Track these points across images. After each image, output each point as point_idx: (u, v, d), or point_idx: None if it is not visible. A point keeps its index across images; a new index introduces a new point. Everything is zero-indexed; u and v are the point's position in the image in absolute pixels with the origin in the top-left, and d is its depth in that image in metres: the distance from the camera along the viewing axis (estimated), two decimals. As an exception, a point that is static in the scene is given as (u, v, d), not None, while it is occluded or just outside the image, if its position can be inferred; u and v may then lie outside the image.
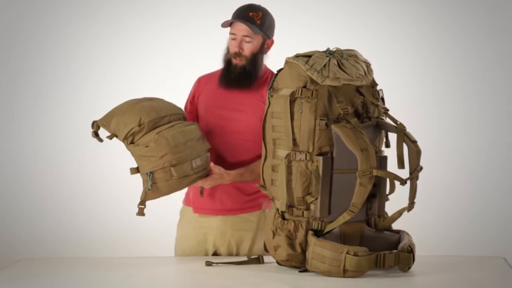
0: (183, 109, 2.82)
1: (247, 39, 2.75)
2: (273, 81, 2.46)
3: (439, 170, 4.45)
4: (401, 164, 2.38)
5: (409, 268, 2.37)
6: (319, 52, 2.41)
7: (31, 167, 4.69)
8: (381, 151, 2.49)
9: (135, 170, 2.58)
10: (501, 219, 4.54)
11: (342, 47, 2.46)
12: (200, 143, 2.67)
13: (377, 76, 2.52)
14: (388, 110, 2.47)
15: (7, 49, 4.67)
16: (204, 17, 4.51)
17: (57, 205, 4.67)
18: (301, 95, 2.35)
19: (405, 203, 2.38)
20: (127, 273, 2.51)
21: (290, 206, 2.42)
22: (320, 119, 2.34)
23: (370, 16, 4.64)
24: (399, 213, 2.42)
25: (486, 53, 4.59)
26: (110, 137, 2.62)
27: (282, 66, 2.45)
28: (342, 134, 2.30)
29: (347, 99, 2.38)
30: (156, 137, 2.55)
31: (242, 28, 2.74)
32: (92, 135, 2.65)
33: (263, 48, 2.79)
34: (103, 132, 2.64)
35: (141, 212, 2.58)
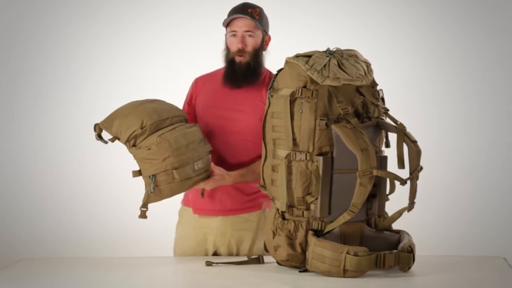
0: None
1: (249, 33, 2.76)
2: (273, 81, 2.46)
3: (439, 170, 4.45)
4: (401, 164, 2.38)
5: (409, 268, 2.37)
6: (319, 52, 2.41)
7: (31, 167, 4.69)
8: (381, 151, 2.49)
9: (137, 173, 2.58)
10: (501, 219, 4.54)
11: (342, 47, 2.46)
12: (201, 145, 2.67)
13: (377, 76, 2.52)
14: (388, 110, 2.47)
15: (7, 49, 4.67)
16: (204, 17, 4.51)
17: (57, 205, 4.67)
18: (301, 95, 2.35)
19: (405, 203, 2.38)
20: (127, 273, 2.51)
21: (290, 206, 2.42)
22: (320, 119, 2.34)
23: (370, 16, 4.65)
24: (399, 213, 2.42)
25: (486, 53, 4.59)
26: (112, 140, 2.62)
27: (282, 66, 2.45)
28: (342, 134, 2.30)
29: (347, 99, 2.38)
30: (158, 140, 2.55)
31: (243, 24, 2.75)
32: (96, 137, 2.64)
33: (263, 43, 2.81)
34: (105, 134, 2.64)
35: (143, 215, 2.58)
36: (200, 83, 2.92)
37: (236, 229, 2.82)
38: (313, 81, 2.35)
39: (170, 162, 2.55)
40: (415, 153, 2.34)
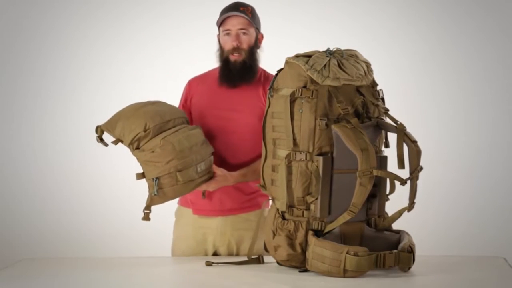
0: None
1: (244, 31, 2.76)
2: (273, 81, 2.46)
3: (439, 170, 4.45)
4: (401, 164, 2.38)
5: (409, 268, 2.37)
6: (319, 52, 2.41)
7: (31, 167, 4.69)
8: (381, 151, 2.49)
9: (140, 176, 2.58)
10: (501, 219, 4.54)
11: (342, 47, 2.46)
12: (204, 147, 2.67)
13: (377, 76, 2.52)
14: (388, 110, 2.47)
15: (7, 49, 4.67)
16: (204, 17, 4.48)
17: (57, 205, 4.67)
18: (301, 95, 2.35)
19: (405, 203, 2.38)
20: (127, 273, 2.51)
21: (290, 206, 2.42)
22: (320, 119, 2.34)
23: (370, 17, 4.64)
24: (399, 213, 2.42)
25: (486, 53, 4.59)
26: (115, 143, 2.61)
27: (282, 66, 2.45)
28: (342, 134, 2.30)
29: (347, 99, 2.38)
30: (162, 143, 2.55)
31: (236, 22, 2.75)
32: (97, 140, 2.64)
33: (257, 41, 2.81)
34: (107, 137, 2.63)
35: (146, 217, 2.58)
36: (194, 84, 2.91)
37: (236, 228, 2.82)
38: (313, 81, 2.35)
39: (173, 164, 2.55)
40: (415, 153, 2.34)
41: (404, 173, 2.35)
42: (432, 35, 4.63)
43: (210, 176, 2.71)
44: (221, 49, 2.82)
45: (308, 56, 2.39)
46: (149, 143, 2.56)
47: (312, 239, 2.35)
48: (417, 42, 4.64)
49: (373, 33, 4.61)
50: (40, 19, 4.67)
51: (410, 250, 2.35)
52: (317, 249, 2.33)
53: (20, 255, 3.21)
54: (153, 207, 2.60)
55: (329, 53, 2.40)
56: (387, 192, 2.47)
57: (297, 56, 2.41)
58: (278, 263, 2.50)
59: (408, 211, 2.39)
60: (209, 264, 2.57)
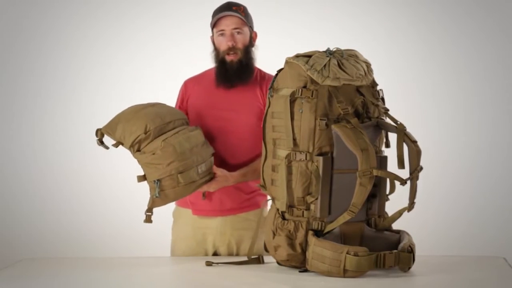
0: None
1: (238, 31, 2.76)
2: (273, 81, 2.46)
3: (439, 170, 4.45)
4: (401, 164, 2.38)
5: (409, 268, 2.37)
6: (319, 52, 2.41)
7: (31, 167, 4.69)
8: (381, 151, 2.49)
9: (142, 178, 2.58)
10: (501, 219, 4.54)
11: (342, 47, 2.46)
12: (204, 148, 2.67)
13: (377, 76, 2.52)
14: (388, 110, 2.47)
15: (7, 49, 4.67)
16: (204, 17, 4.49)
17: (57, 205, 4.67)
18: (301, 95, 2.35)
19: (405, 203, 2.38)
20: (127, 273, 2.51)
21: (290, 206, 2.42)
22: (320, 119, 2.34)
23: (370, 17, 4.64)
24: (399, 213, 2.42)
25: (486, 53, 4.59)
26: (115, 145, 2.61)
27: (282, 66, 2.45)
28: (342, 134, 2.30)
29: (347, 99, 2.38)
30: (162, 145, 2.55)
31: (230, 22, 2.75)
32: (97, 143, 2.63)
33: (251, 40, 2.81)
34: (107, 139, 2.63)
35: (148, 219, 2.58)
36: (190, 85, 2.91)
37: (236, 228, 2.82)
38: (313, 81, 2.35)
39: (174, 166, 2.55)
40: (415, 153, 2.34)
41: (404, 173, 2.35)
42: (432, 35, 4.63)
43: (211, 177, 2.71)
44: (216, 50, 2.81)
45: (308, 56, 2.39)
46: (150, 145, 2.56)
47: (312, 239, 2.35)
48: (417, 42, 4.64)
49: (373, 33, 4.61)
50: (40, 19, 4.67)
51: (410, 250, 2.35)
52: (317, 249, 2.33)
53: (20, 255, 3.21)
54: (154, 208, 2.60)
55: (329, 53, 2.40)
56: (387, 192, 2.47)
57: (297, 56, 2.41)
58: (278, 263, 2.50)
59: (408, 211, 2.39)
60: (209, 264, 2.57)
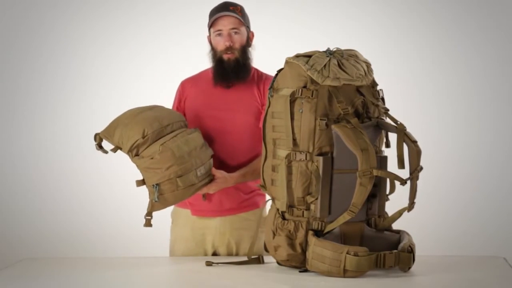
0: None
1: (235, 31, 2.76)
2: (273, 81, 2.46)
3: (439, 170, 4.45)
4: (401, 164, 2.38)
5: (409, 268, 2.37)
6: (319, 52, 2.41)
7: (31, 167, 4.69)
8: (381, 151, 2.49)
9: (141, 182, 2.57)
10: (500, 219, 4.54)
11: (342, 47, 2.46)
12: (203, 150, 2.67)
13: (377, 76, 2.52)
14: (388, 110, 2.47)
15: (7, 49, 4.67)
16: (204, 17, 4.50)
17: (57, 205, 4.67)
18: (301, 95, 2.35)
19: (405, 203, 2.37)
20: (127, 273, 2.51)
21: (290, 206, 2.42)
22: (320, 119, 2.34)
23: (370, 17, 4.64)
24: (399, 213, 2.42)
25: (486, 53, 4.59)
26: (114, 150, 2.61)
27: (282, 66, 2.45)
28: (342, 134, 2.30)
29: (347, 99, 2.38)
30: (161, 149, 2.54)
31: (227, 22, 2.75)
32: (96, 147, 2.63)
33: (249, 40, 2.81)
34: (106, 143, 2.63)
35: (148, 223, 2.58)
36: (187, 86, 2.91)
37: (236, 228, 2.82)
38: (313, 81, 2.35)
39: (173, 170, 2.55)
40: (415, 153, 2.34)
41: (404, 173, 2.35)
42: (432, 35, 4.63)
43: (210, 179, 2.71)
44: (213, 50, 2.81)
45: (308, 56, 2.39)
46: (148, 150, 2.55)
47: (312, 239, 2.35)
48: (417, 42, 4.64)
49: (373, 33, 4.61)
50: (40, 19, 4.67)
51: (410, 250, 2.35)
52: (317, 249, 2.33)
53: (20, 255, 3.21)
54: (153, 211, 2.61)
55: (329, 53, 2.40)
56: (387, 192, 2.47)
57: (297, 56, 2.41)
58: (278, 263, 2.50)
59: (408, 211, 2.39)
60: (209, 264, 2.57)
